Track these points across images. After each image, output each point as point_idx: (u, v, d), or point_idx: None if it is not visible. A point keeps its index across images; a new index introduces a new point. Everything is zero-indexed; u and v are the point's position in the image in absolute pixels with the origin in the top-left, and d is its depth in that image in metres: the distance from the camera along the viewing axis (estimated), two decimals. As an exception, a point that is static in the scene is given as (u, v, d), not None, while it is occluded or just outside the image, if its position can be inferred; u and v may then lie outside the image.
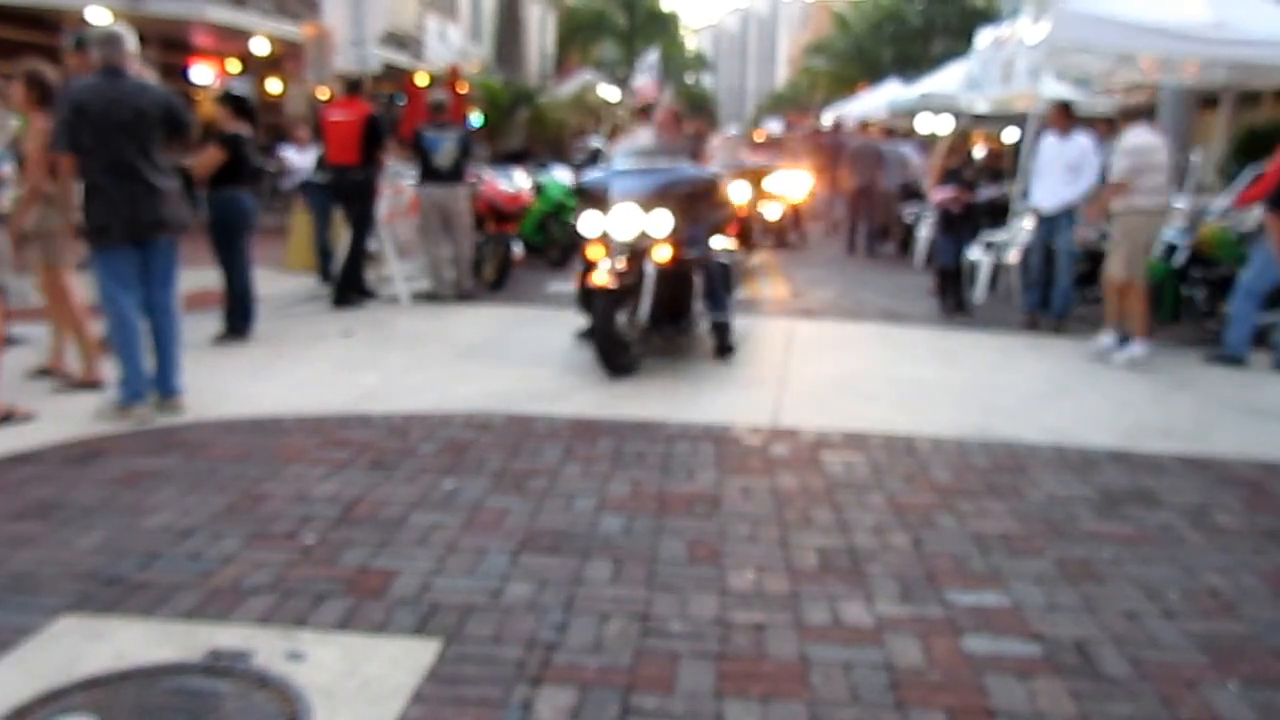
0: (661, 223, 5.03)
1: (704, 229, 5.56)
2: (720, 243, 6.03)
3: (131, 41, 4.24)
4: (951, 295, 7.46)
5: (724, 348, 5.63)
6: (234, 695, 2.20)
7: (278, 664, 2.31)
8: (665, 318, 5.30)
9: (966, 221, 7.41)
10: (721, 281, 5.65)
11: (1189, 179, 7.05)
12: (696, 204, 5.45)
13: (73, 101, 4.07)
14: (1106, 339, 6.01)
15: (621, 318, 5.01)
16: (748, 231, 8.66)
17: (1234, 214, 6.50)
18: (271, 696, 2.19)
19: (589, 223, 5.17)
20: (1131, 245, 5.82)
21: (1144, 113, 6.40)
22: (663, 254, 5.05)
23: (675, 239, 5.12)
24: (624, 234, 5.02)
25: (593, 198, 5.30)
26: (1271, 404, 5.08)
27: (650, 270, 5.03)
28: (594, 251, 5.12)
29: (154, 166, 4.19)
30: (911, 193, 11.11)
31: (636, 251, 5.03)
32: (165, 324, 4.32)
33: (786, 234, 11.93)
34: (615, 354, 4.99)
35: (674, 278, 5.19)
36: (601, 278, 4.91)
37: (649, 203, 5.05)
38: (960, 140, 7.97)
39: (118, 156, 4.08)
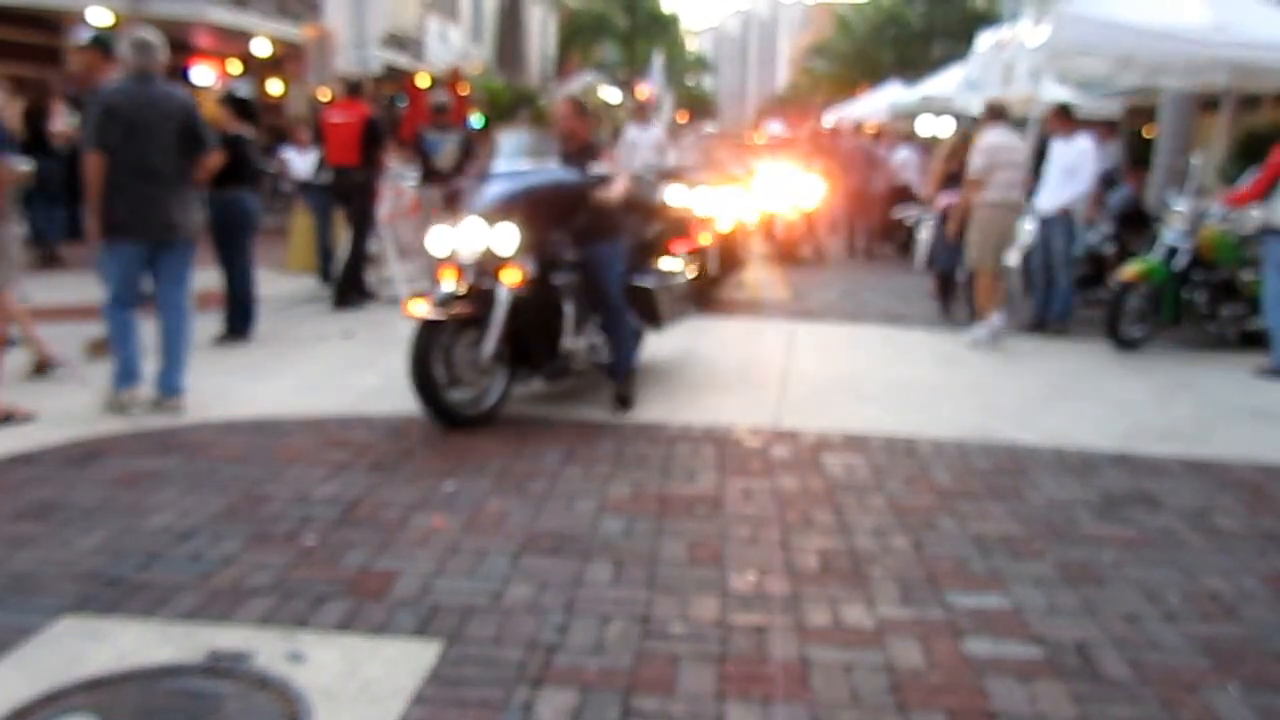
0: (507, 238, 4.14)
1: (606, 246, 4.53)
2: (660, 263, 5.19)
3: (164, 49, 4.42)
4: (955, 300, 7.42)
5: (619, 397, 4.58)
6: (234, 696, 2.20)
7: (278, 665, 2.31)
8: (529, 355, 4.35)
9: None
10: (624, 314, 4.63)
11: (1189, 182, 7.04)
12: (579, 216, 4.48)
13: (104, 103, 4.22)
14: (997, 321, 6.33)
15: (469, 355, 4.16)
16: (732, 246, 7.72)
17: (1235, 217, 6.49)
18: (272, 697, 2.19)
19: (436, 239, 4.28)
20: (982, 236, 6.26)
21: (1002, 115, 6.60)
22: (511, 277, 4.14)
23: (541, 257, 4.32)
24: (468, 253, 4.17)
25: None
26: (1272, 406, 5.08)
27: (503, 296, 4.11)
28: (446, 274, 4.21)
29: (176, 171, 4.36)
30: (903, 195, 11.10)
31: (487, 274, 4.17)
32: (175, 322, 4.41)
33: (797, 246, 10.56)
34: (440, 401, 4.08)
35: (536, 307, 4.27)
36: (419, 308, 4.02)
37: (495, 214, 4.17)
38: (961, 144, 7.93)
39: (143, 158, 4.23)
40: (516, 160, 4.63)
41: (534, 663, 2.35)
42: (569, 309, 4.44)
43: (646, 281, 4.91)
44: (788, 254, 10.45)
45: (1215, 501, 3.63)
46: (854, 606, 2.68)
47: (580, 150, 4.59)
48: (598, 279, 4.51)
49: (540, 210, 4.33)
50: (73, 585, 2.68)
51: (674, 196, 5.82)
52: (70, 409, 4.32)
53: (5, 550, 2.90)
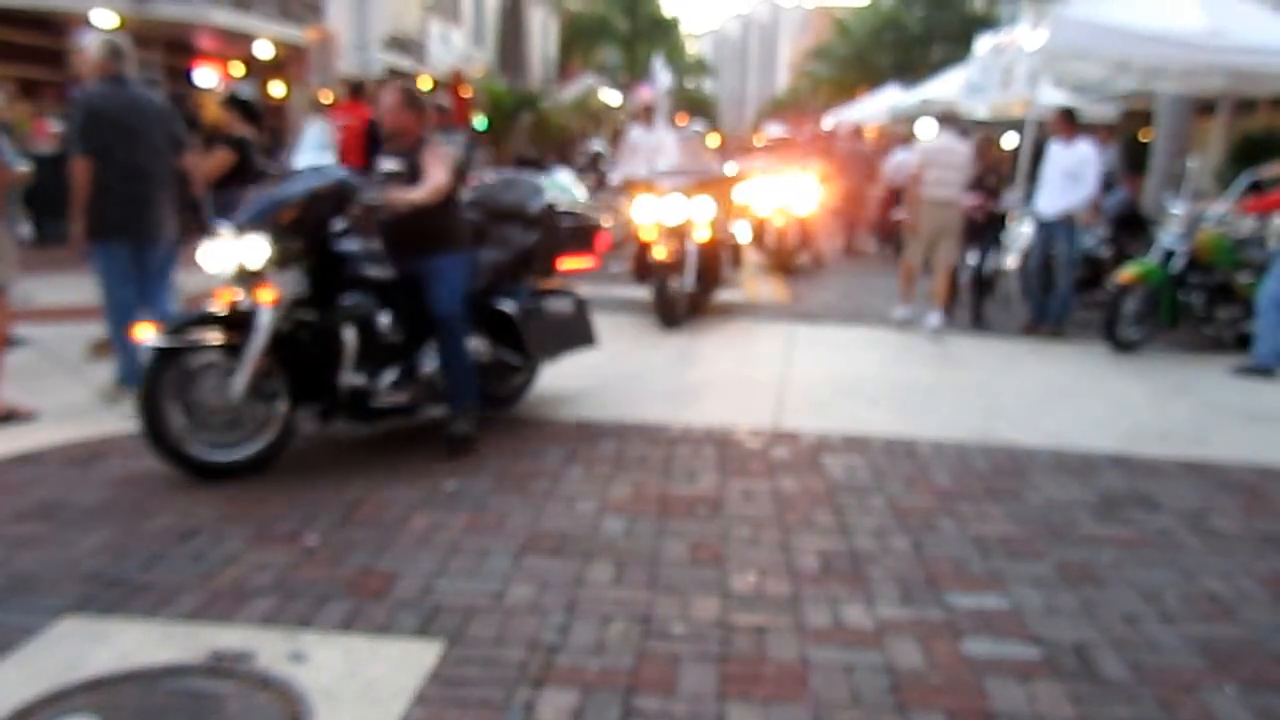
0: (257, 252, 3.48)
1: (443, 259, 3.85)
2: (538, 282, 4.46)
3: (134, 54, 4.53)
4: (969, 305, 7.36)
5: (452, 440, 3.89)
6: (236, 696, 2.21)
7: (280, 665, 2.32)
8: (312, 390, 3.66)
9: (989, 229, 7.36)
10: (458, 338, 3.88)
11: (1186, 185, 7.06)
12: (392, 223, 3.83)
13: (87, 106, 4.29)
14: (932, 317, 6.84)
15: (218, 393, 3.50)
16: (712, 257, 6.92)
17: (1230, 220, 6.51)
18: (273, 698, 2.20)
19: (209, 255, 3.57)
20: (916, 231, 6.89)
21: (951, 119, 7.40)
22: (266, 296, 3.49)
23: (321, 274, 3.64)
24: (226, 269, 3.55)
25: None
26: (1269, 409, 5.10)
27: (263, 321, 3.46)
28: (219, 294, 3.60)
29: (162, 171, 4.48)
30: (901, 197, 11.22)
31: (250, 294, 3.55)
32: (165, 316, 4.54)
33: (793, 256, 9.83)
34: (174, 446, 3.44)
35: (310, 334, 3.62)
36: (147, 333, 3.42)
37: (250, 225, 3.53)
38: (985, 146, 7.97)
39: (131, 160, 4.32)
40: (321, 154, 4.03)
41: (535, 663, 2.36)
42: (349, 336, 3.63)
43: (505, 305, 4.16)
44: (782, 263, 9.73)
45: (1213, 503, 3.64)
46: (854, 607, 2.70)
47: (411, 148, 3.87)
48: (430, 295, 3.82)
49: (308, 218, 3.60)
50: (74, 585, 2.69)
51: (566, 203, 4.66)
52: (73, 409, 4.33)
53: (7, 550, 2.91)
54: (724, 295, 7.78)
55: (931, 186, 6.76)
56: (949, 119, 7.37)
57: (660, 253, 6.54)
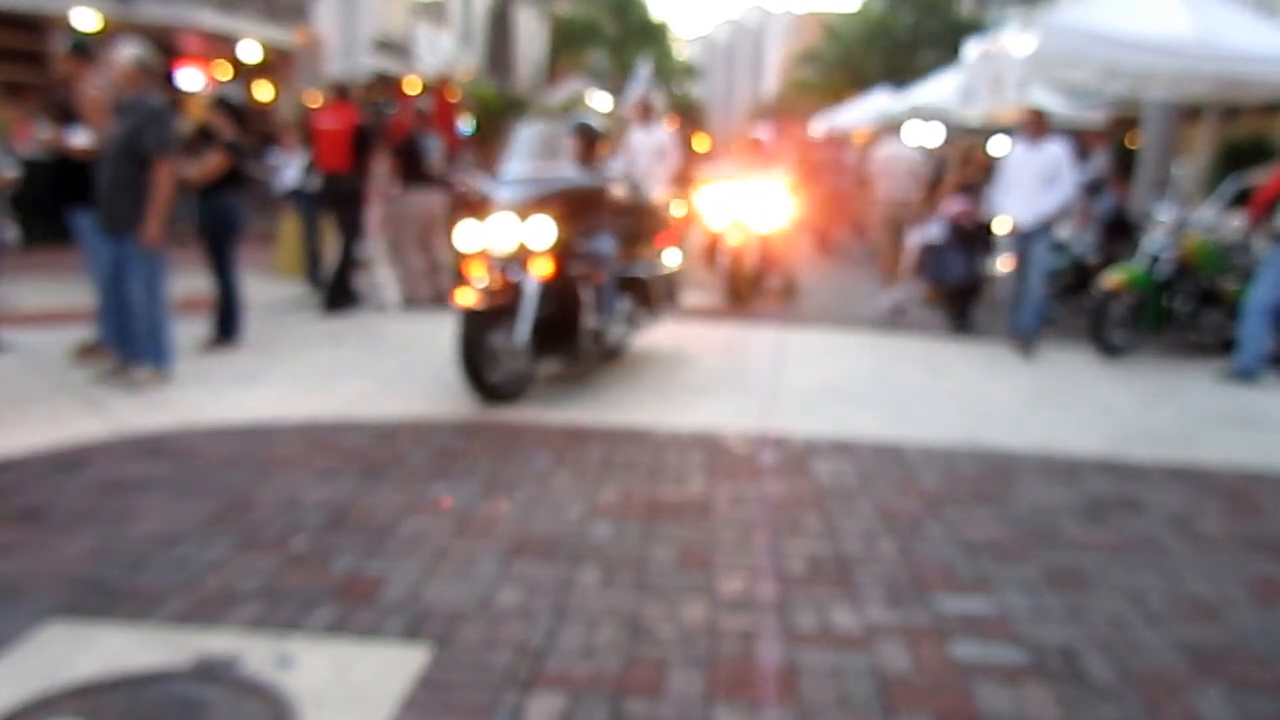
0: None
1: None
2: None
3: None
4: (958, 311, 7.35)
5: None
6: (223, 702, 2.19)
7: (267, 670, 2.31)
8: None
9: (981, 236, 7.33)
10: None
11: (1172, 191, 7.13)
12: None
13: (169, 115, 4.73)
14: (898, 295, 7.81)
15: None
16: (569, 301, 4.79)
17: (1215, 224, 6.58)
18: (260, 703, 2.19)
19: None
20: (878, 226, 8.42)
21: (896, 128, 8.94)
22: None
23: None
24: None
25: None
26: (1254, 413, 5.15)
27: None
28: None
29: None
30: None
31: None
32: (128, 301, 4.87)
33: (755, 282, 8.09)
34: None
35: None
36: None
37: None
38: (974, 153, 8.10)
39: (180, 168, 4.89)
40: None
41: (523, 667, 2.36)
42: None
43: None
44: (737, 289, 7.92)
45: (1198, 506, 3.67)
46: (841, 610, 2.70)
47: None
48: None
49: None
50: (60, 591, 2.66)
51: None
52: (57, 414, 4.30)
53: (-9, 555, 2.88)
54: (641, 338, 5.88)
55: (886, 189, 8.09)
56: (895, 128, 8.69)
57: (465, 297, 4.49)
